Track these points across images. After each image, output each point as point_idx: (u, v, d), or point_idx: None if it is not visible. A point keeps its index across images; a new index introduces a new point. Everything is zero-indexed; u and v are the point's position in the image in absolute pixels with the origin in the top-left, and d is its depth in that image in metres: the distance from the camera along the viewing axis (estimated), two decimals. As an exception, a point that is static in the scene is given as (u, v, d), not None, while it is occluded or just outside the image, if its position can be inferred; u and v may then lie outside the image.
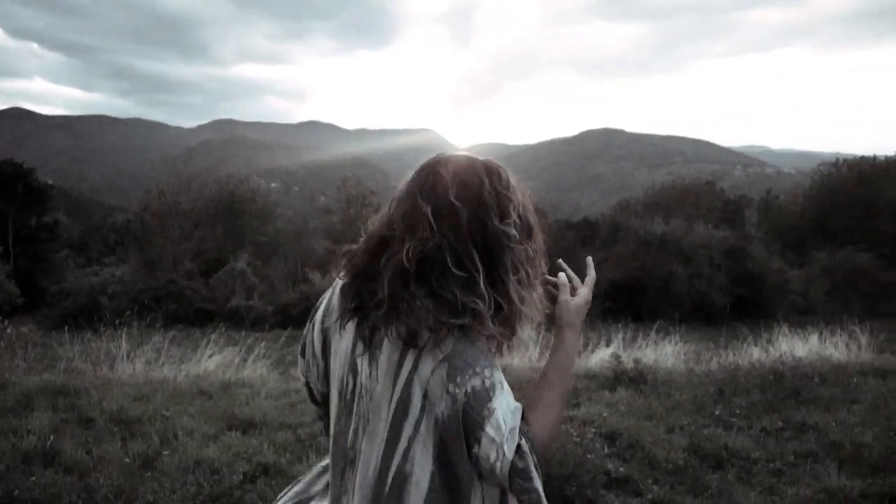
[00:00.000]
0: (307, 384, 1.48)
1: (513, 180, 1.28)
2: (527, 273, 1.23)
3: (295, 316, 22.85)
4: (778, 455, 4.41)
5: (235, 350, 6.62)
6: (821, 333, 8.38)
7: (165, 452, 3.87)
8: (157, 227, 29.06)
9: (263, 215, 33.68)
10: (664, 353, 7.75)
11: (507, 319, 1.22)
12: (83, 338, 7.89)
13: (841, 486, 3.85)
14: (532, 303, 1.25)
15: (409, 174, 1.29)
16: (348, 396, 1.28)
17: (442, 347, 1.16)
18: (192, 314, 23.09)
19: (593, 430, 4.64)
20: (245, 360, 6.35)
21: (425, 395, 1.17)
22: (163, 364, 6.32)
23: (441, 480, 1.18)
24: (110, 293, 23.99)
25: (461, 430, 1.15)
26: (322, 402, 1.46)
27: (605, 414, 5.06)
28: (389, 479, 1.20)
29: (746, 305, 25.68)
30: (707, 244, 27.63)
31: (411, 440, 1.19)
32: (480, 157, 1.29)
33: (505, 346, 1.26)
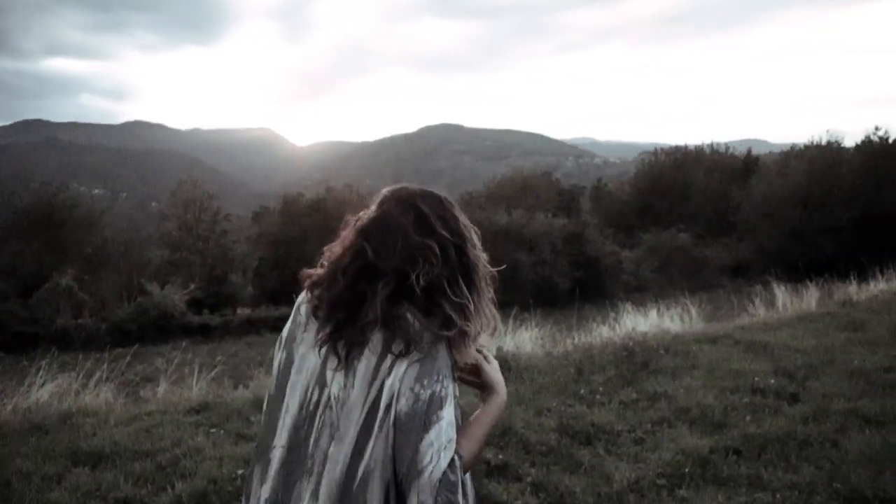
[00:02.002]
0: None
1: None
2: (489, 290, 1.45)
3: (133, 332, 21.10)
4: (637, 425, 4.73)
5: (71, 375, 5.92)
6: (658, 309, 9.12)
7: (-3, 503, 3.37)
8: (-42, 245, 25.53)
9: (88, 225, 30.69)
10: (522, 339, 8.02)
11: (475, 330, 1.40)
12: None
13: (694, 446, 4.19)
14: (493, 315, 1.46)
15: (376, 206, 1.45)
16: (311, 408, 1.37)
17: (414, 354, 1.31)
18: (10, 339, 20.54)
19: (468, 420, 4.69)
20: (85, 386, 5.70)
21: (393, 394, 1.29)
22: (-21, 400, 5.52)
23: (393, 477, 1.29)
24: None
25: (416, 426, 1.27)
26: (263, 417, 1.49)
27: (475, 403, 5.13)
28: (358, 478, 1.30)
29: (586, 287, 27.49)
30: (548, 232, 29.19)
31: (376, 438, 1.30)
32: (436, 190, 1.47)
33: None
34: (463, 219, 1.45)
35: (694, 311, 9.38)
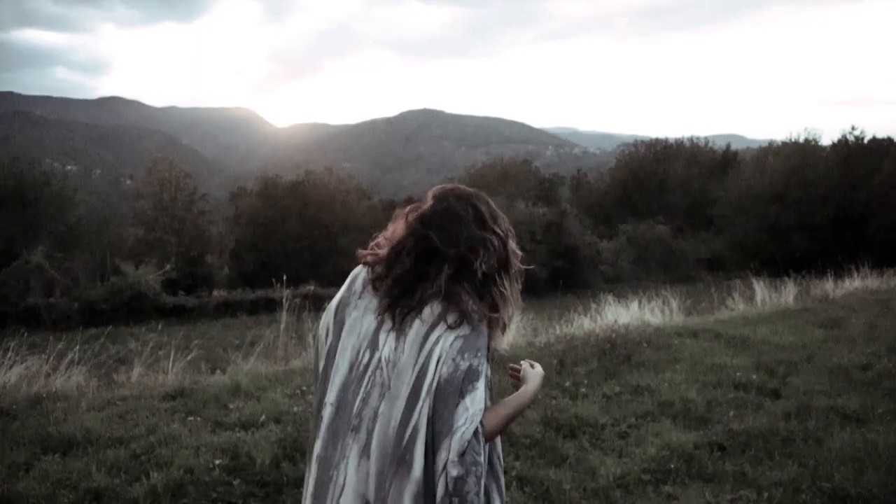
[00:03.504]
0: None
1: None
2: (519, 280, 1.62)
3: (106, 312, 20.71)
4: (621, 418, 4.70)
5: (42, 357, 5.73)
6: (639, 301, 9.13)
7: (-39, 491, 3.23)
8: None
9: (60, 202, 30.01)
10: (503, 328, 7.97)
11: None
12: None
13: (678, 441, 4.18)
14: (519, 302, 1.62)
15: (435, 200, 1.61)
16: (360, 368, 1.50)
17: (461, 329, 1.47)
18: (-24, 317, 20.06)
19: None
20: (55, 369, 5.51)
21: (438, 361, 1.44)
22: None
23: (429, 433, 1.42)
24: None
25: (453, 392, 1.42)
26: (317, 378, 1.62)
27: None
28: (407, 435, 1.43)
29: (564, 276, 27.60)
30: (528, 220, 29.17)
31: (423, 400, 1.43)
32: (480, 191, 1.67)
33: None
34: (506, 218, 1.65)
35: (674, 304, 9.42)
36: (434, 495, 1.40)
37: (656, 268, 28.45)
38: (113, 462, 3.54)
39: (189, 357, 6.42)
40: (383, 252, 1.60)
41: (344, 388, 1.51)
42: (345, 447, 1.47)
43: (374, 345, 1.51)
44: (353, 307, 1.58)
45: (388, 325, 1.51)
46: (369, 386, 1.48)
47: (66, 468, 3.46)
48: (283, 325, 7.28)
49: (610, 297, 9.34)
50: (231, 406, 4.63)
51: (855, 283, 12.12)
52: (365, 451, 1.45)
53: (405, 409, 1.44)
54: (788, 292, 10.70)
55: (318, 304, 9.13)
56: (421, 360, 1.46)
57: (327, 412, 1.52)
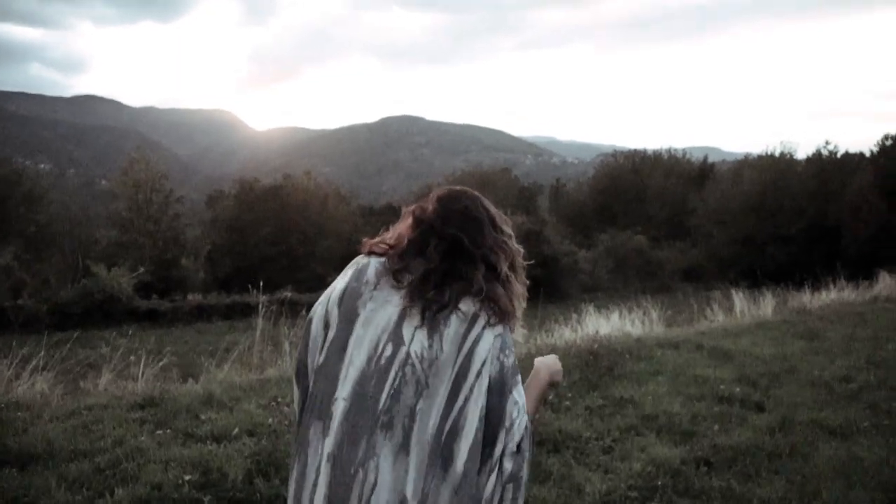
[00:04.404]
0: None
1: None
2: (524, 279, 1.66)
3: (77, 315, 20.21)
4: (605, 432, 4.60)
5: (3, 363, 5.48)
6: (620, 312, 9.09)
7: None
8: None
9: (32, 201, 29.36)
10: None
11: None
12: None
13: (664, 456, 4.09)
14: (524, 296, 1.65)
15: (450, 201, 1.61)
16: (382, 363, 1.45)
17: (497, 327, 1.49)
18: (-60, 319, 19.46)
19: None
20: (18, 375, 5.27)
21: (483, 362, 1.45)
22: None
23: (481, 433, 1.43)
24: None
25: (504, 388, 1.46)
26: (315, 371, 1.54)
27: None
28: (446, 431, 1.42)
29: (542, 285, 27.63)
30: (508, 229, 29.18)
31: (466, 399, 1.43)
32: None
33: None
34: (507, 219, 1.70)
35: (655, 315, 9.38)
36: (473, 486, 1.43)
37: (634, 278, 28.60)
38: (75, 477, 3.34)
39: (161, 363, 6.20)
40: (401, 245, 1.57)
41: (361, 383, 1.45)
42: (373, 445, 1.41)
43: (397, 339, 1.47)
44: (369, 298, 1.51)
45: (414, 320, 1.47)
46: (398, 382, 1.44)
47: (23, 483, 3.25)
48: (258, 332, 7.09)
49: (591, 308, 9.28)
50: (203, 417, 4.45)
51: (831, 295, 12.22)
52: (403, 449, 1.41)
53: (445, 406, 1.43)
54: (767, 304, 10.73)
55: (295, 311, 8.94)
56: (461, 358, 1.45)
57: (339, 407, 1.45)
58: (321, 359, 1.52)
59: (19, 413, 4.31)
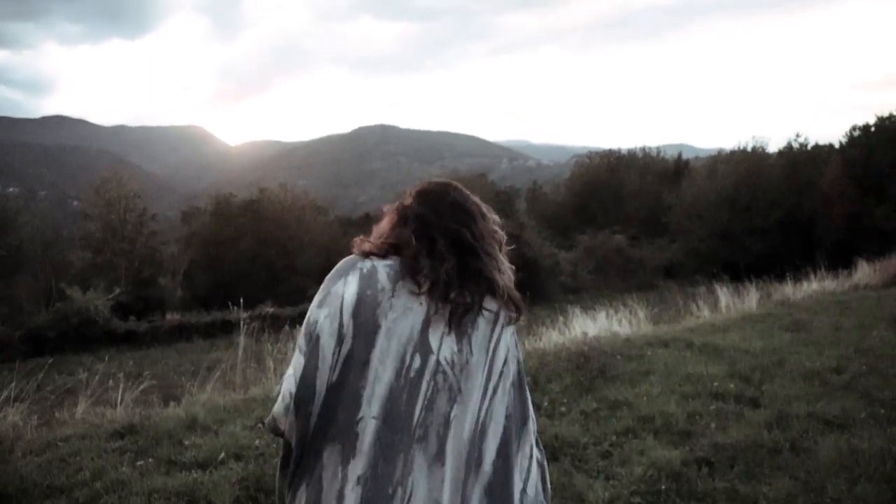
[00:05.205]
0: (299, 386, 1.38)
1: None
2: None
3: (52, 340, 19.74)
4: (602, 437, 4.50)
5: (-26, 395, 5.23)
6: (607, 312, 9.02)
7: None
8: None
9: (1, 225, 28.68)
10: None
11: None
12: None
13: (664, 459, 3.99)
14: None
15: (441, 193, 1.53)
16: (412, 375, 1.36)
17: (511, 324, 1.49)
18: None
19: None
20: (-10, 408, 5.04)
21: (505, 361, 1.46)
22: None
23: (510, 431, 1.44)
24: None
25: (523, 383, 1.51)
26: (328, 391, 1.37)
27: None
28: (477, 433, 1.40)
29: (526, 289, 27.55)
30: (487, 233, 29.11)
31: (492, 399, 1.42)
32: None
33: None
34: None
35: (641, 314, 9.34)
36: (503, 484, 1.41)
37: (615, 277, 28.68)
38: (52, 514, 3.16)
39: (141, 387, 5.99)
40: (409, 244, 1.45)
41: (391, 399, 1.35)
42: (410, 460, 1.34)
43: (424, 348, 1.38)
44: (389, 308, 1.39)
45: (440, 326, 1.39)
46: (430, 392, 1.37)
47: (-4, 525, 3.07)
48: (241, 350, 6.90)
49: (577, 309, 9.20)
50: (187, 443, 4.26)
51: (812, 286, 12.30)
52: (438, 459, 1.36)
53: (478, 412, 1.40)
54: (751, 297, 10.75)
55: (277, 326, 8.75)
56: (488, 360, 1.43)
57: (369, 427, 1.34)
58: (335, 377, 1.37)
59: (-10, 449, 4.10)
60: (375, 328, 1.37)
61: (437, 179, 1.60)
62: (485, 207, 1.56)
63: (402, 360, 1.37)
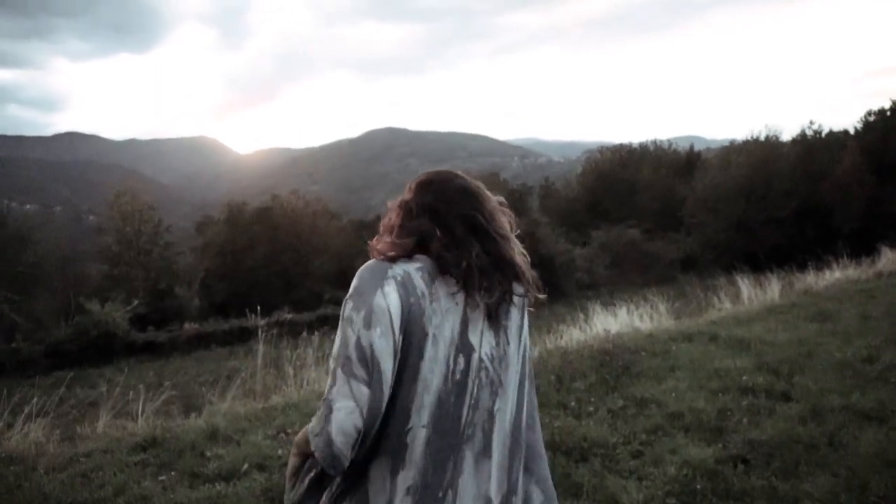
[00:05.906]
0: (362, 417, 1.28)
1: None
2: None
3: (73, 353, 19.90)
4: (632, 435, 4.39)
5: (-2, 411, 5.22)
6: (627, 308, 8.89)
7: None
8: None
9: (19, 242, 28.94)
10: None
11: None
12: None
13: (698, 457, 3.88)
14: None
15: (447, 179, 1.48)
16: (458, 377, 1.35)
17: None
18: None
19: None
20: (11, 425, 5.01)
21: (527, 345, 1.51)
22: None
23: (531, 402, 1.53)
24: None
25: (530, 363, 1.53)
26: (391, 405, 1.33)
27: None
28: (515, 423, 1.45)
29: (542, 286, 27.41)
30: (501, 232, 28.99)
31: (522, 383, 1.47)
32: None
33: None
34: None
35: (662, 308, 9.19)
36: (536, 456, 1.53)
37: (632, 271, 28.44)
38: (76, 532, 3.11)
39: (161, 398, 5.96)
40: (436, 237, 1.40)
41: (440, 405, 1.34)
42: (459, 463, 1.35)
43: (467, 349, 1.37)
44: (433, 313, 1.34)
45: (478, 323, 1.38)
46: (475, 390, 1.37)
47: (20, 545, 3.02)
48: (260, 357, 6.85)
49: (596, 306, 9.07)
50: (209, 454, 4.21)
51: (835, 275, 12.06)
52: (485, 453, 1.38)
53: (516, 397, 1.44)
54: (773, 288, 10.56)
55: (295, 332, 8.72)
56: (521, 347, 1.47)
57: (420, 436, 1.32)
58: (385, 391, 1.30)
59: (12, 467, 4.06)
60: (423, 337, 1.33)
61: (435, 170, 1.55)
62: (489, 193, 1.52)
63: (448, 364, 1.35)
